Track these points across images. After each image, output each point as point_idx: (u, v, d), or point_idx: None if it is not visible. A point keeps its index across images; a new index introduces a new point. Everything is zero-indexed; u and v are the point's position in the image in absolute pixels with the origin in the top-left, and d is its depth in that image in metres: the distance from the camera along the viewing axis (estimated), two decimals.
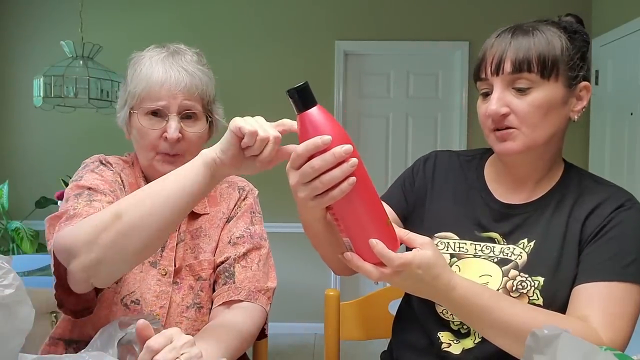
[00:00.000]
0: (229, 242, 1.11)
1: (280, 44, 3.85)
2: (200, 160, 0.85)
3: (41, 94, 2.77)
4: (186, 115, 1.06)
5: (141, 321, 0.77)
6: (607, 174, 3.52)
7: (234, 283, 1.06)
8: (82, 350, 0.75)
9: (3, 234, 3.35)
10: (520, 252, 0.96)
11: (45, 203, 3.49)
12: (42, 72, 2.80)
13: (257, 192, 1.21)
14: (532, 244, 0.97)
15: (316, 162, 0.67)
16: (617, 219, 0.93)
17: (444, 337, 1.01)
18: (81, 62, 2.85)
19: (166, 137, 1.04)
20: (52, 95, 2.77)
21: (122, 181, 1.09)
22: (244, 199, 1.17)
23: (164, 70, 1.04)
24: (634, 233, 0.92)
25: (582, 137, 3.78)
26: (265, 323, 1.10)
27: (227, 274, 1.08)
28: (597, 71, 3.66)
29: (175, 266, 1.08)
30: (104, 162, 1.10)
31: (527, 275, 0.94)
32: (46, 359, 0.70)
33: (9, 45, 3.88)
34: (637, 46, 3.22)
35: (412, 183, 1.12)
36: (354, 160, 0.68)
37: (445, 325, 1.01)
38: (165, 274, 1.07)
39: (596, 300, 0.87)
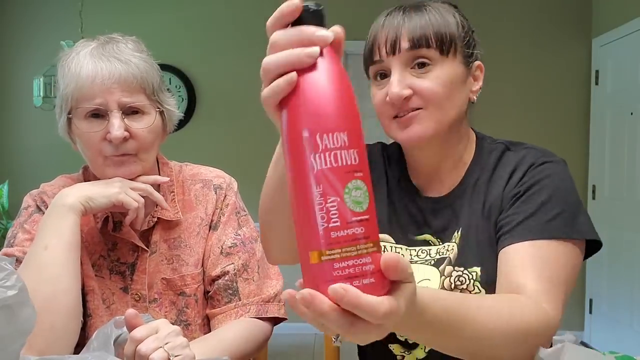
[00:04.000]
0: (221, 252, 1.03)
1: None
2: (70, 211, 0.90)
3: (41, 94, 2.78)
4: (130, 111, 0.94)
5: (130, 310, 0.76)
6: (607, 174, 3.52)
7: (239, 300, 1.00)
8: (81, 352, 0.75)
9: (3, 233, 3.35)
10: (453, 247, 0.90)
11: None
12: (42, 72, 2.80)
13: (236, 185, 1.11)
14: (459, 234, 0.90)
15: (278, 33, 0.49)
16: (533, 177, 0.86)
17: (395, 349, 0.95)
18: None
19: (110, 139, 0.92)
20: (52, 95, 2.77)
21: None
22: (223, 199, 1.07)
23: (93, 63, 0.91)
24: (552, 186, 0.85)
25: (582, 137, 3.79)
26: (281, 319, 1.05)
27: (230, 292, 1.01)
28: (597, 71, 3.66)
29: (147, 283, 1.01)
30: (39, 204, 1.02)
31: (462, 269, 0.87)
32: (50, 359, 0.70)
33: (9, 45, 3.88)
34: (637, 46, 3.22)
35: None
36: (314, 50, 0.46)
37: (392, 336, 0.92)
38: (140, 299, 1.00)
39: (528, 265, 0.79)
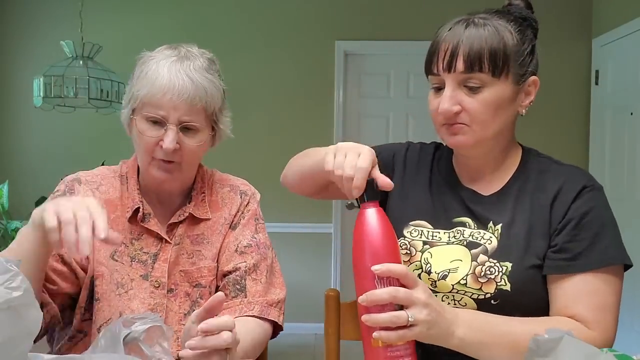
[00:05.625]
0: (236, 250, 1.10)
1: (280, 44, 3.85)
2: (30, 224, 0.86)
3: (41, 94, 2.77)
4: (186, 127, 1.03)
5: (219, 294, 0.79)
6: (607, 174, 3.52)
7: (245, 297, 1.06)
8: (88, 351, 0.75)
9: (3, 234, 3.34)
10: (490, 237, 0.97)
11: None
12: (42, 72, 2.80)
13: (259, 196, 1.20)
14: (499, 228, 0.97)
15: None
16: (582, 205, 0.94)
17: None
18: (81, 62, 2.85)
19: (162, 146, 1.01)
20: (52, 95, 2.77)
21: None
22: (246, 204, 1.15)
23: (168, 77, 1.00)
24: (600, 215, 0.94)
25: (582, 137, 3.79)
26: (278, 328, 1.10)
27: (238, 287, 1.06)
28: (597, 71, 3.66)
29: (167, 274, 1.06)
30: (68, 190, 1.07)
31: (495, 261, 0.95)
32: (64, 359, 0.70)
33: (9, 45, 3.87)
34: (637, 46, 3.22)
35: (391, 169, 1.14)
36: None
37: None
38: (159, 286, 1.05)
39: (581, 296, 0.90)
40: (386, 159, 1.14)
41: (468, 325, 0.83)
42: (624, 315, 0.95)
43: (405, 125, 3.92)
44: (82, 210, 0.79)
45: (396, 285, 0.76)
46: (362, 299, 0.76)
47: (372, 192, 0.81)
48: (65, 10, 3.66)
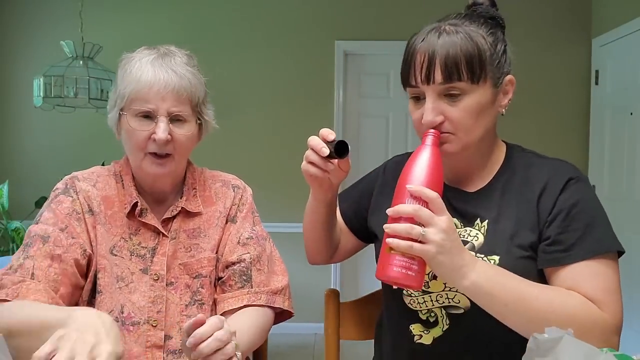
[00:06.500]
0: (238, 242, 1.14)
1: (280, 44, 3.85)
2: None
3: (41, 94, 2.77)
4: (175, 118, 1.06)
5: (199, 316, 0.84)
6: (606, 174, 3.52)
7: (251, 287, 1.11)
8: None
9: (3, 234, 3.34)
10: (477, 234, 0.99)
11: None
12: (42, 72, 2.80)
13: (250, 189, 1.24)
14: (485, 224, 0.99)
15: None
16: (570, 197, 0.94)
17: (415, 329, 1.03)
18: (81, 62, 2.86)
19: (155, 139, 1.04)
20: (52, 95, 2.77)
21: (87, 204, 1.08)
22: (241, 197, 1.20)
23: (153, 71, 1.04)
24: (589, 205, 0.95)
25: (582, 137, 3.79)
26: (287, 314, 1.16)
27: (245, 278, 1.12)
28: (597, 71, 3.66)
29: (166, 267, 1.09)
30: (69, 186, 1.10)
31: (482, 256, 0.95)
32: None
33: (9, 45, 3.88)
34: (637, 46, 3.22)
35: (370, 195, 1.18)
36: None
37: (414, 317, 1.03)
38: (158, 279, 1.08)
39: (584, 279, 0.90)
40: (366, 186, 1.20)
41: (484, 273, 0.85)
42: (624, 315, 0.94)
43: (405, 125, 3.92)
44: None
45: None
46: (389, 210, 0.83)
47: (336, 146, 0.94)
48: (65, 10, 3.66)
